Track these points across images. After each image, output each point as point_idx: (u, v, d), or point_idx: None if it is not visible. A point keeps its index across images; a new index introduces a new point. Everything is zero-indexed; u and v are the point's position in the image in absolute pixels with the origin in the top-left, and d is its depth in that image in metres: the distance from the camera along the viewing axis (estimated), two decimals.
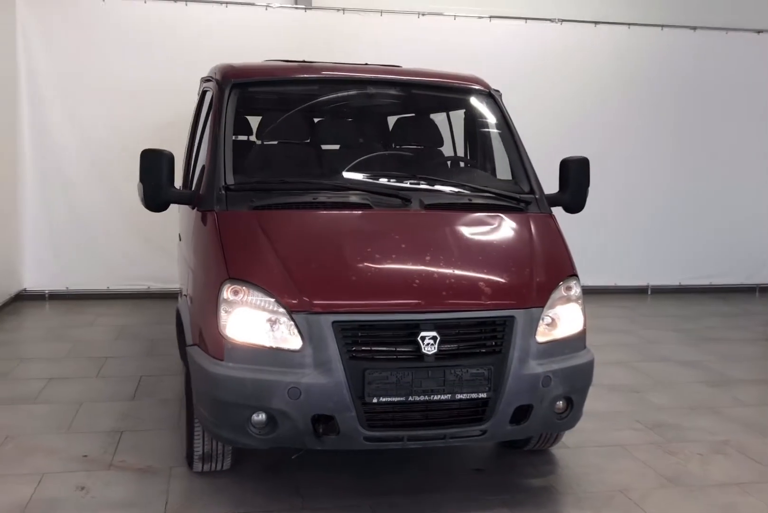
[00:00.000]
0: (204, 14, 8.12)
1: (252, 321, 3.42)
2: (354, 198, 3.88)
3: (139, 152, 3.88)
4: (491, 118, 4.60)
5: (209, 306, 3.54)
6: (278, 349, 3.37)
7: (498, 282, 3.65)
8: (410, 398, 3.38)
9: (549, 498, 3.92)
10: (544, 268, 3.78)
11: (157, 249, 7.95)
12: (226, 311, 3.45)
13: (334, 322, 3.34)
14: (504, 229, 3.97)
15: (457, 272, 3.64)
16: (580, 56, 8.84)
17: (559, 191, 4.39)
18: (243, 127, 4.51)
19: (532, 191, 4.22)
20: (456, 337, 3.45)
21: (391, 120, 5.14)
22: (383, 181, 4.06)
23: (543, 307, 3.63)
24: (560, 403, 3.72)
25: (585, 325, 3.86)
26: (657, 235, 9.32)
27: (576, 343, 3.78)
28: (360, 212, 3.84)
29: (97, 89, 7.94)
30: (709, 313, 8.57)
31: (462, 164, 4.90)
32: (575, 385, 3.72)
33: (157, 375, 5.65)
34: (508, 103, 8.00)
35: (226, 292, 3.46)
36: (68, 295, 8.24)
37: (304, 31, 8.30)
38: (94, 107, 7.98)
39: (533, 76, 8.72)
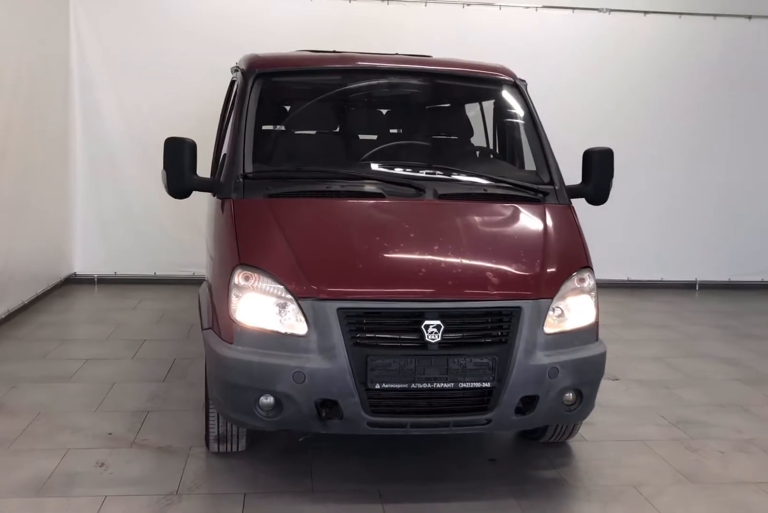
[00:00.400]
0: (248, 5, 8.23)
1: (261, 306, 3.49)
2: (368, 187, 3.90)
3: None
4: (515, 108, 4.57)
5: (222, 291, 3.62)
6: (285, 334, 3.44)
7: (506, 272, 3.64)
8: (413, 385, 3.41)
9: (558, 490, 3.91)
10: (555, 260, 3.76)
11: (202, 236, 8.09)
12: (236, 296, 3.54)
13: (339, 309, 3.39)
14: (517, 219, 3.96)
15: (465, 262, 3.65)
16: (629, 46, 8.68)
17: (582, 182, 4.36)
18: (266, 117, 4.56)
19: (551, 182, 4.18)
20: (461, 327, 3.46)
21: (415, 110, 5.13)
22: (399, 170, 4.07)
23: (552, 298, 3.61)
24: (570, 395, 3.70)
25: (597, 317, 3.83)
26: (706, 229, 9.10)
27: (587, 335, 3.75)
28: (372, 201, 3.87)
29: (145, 77, 8.12)
30: (757, 310, 8.36)
31: (487, 154, 4.87)
32: (584, 378, 3.69)
33: (191, 358, 5.79)
34: (555, 94, 7.93)
35: (237, 278, 3.54)
36: (116, 279, 8.49)
37: (349, 22, 8.32)
38: (143, 95, 8.17)
39: (581, 66, 8.61)
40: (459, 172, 4.14)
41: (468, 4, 8.53)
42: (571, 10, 8.59)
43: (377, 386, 3.38)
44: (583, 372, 3.68)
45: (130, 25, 8.12)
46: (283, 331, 3.45)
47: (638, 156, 8.55)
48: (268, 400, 3.49)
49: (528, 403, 3.56)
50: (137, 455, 4.14)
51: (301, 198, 3.86)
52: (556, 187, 4.15)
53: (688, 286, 9.24)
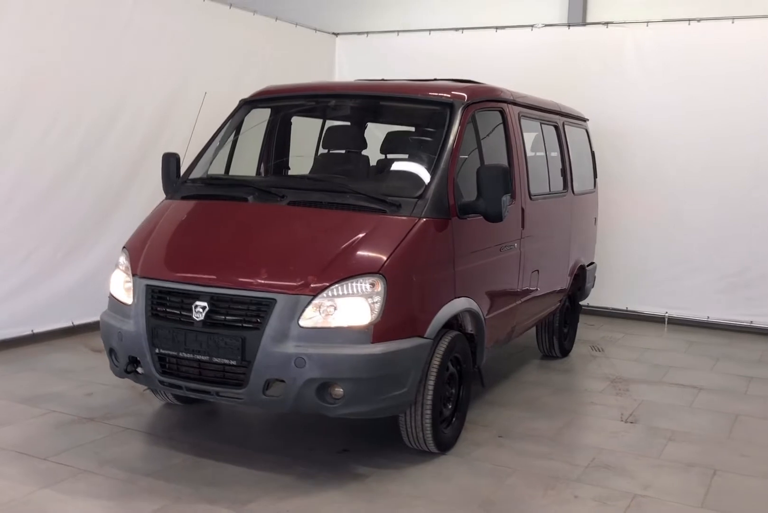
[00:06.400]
0: (477, 40, 8.88)
1: (118, 279, 4.53)
2: (241, 193, 4.58)
3: None
4: (437, 127, 4.70)
5: None
6: (122, 303, 4.41)
7: (275, 268, 4.04)
8: (181, 354, 4.08)
9: (343, 484, 4.08)
10: (343, 263, 3.98)
11: None
12: (114, 270, 4.62)
13: (146, 286, 4.25)
14: (341, 226, 4.23)
15: (252, 257, 4.17)
16: None
17: (475, 199, 4.43)
18: (239, 135, 5.36)
19: (422, 196, 4.31)
20: (224, 310, 4.01)
21: (355, 129, 5.46)
22: (282, 180, 4.68)
23: (315, 295, 3.90)
24: (338, 390, 3.92)
25: (378, 320, 3.88)
26: None
27: (356, 335, 3.89)
28: (234, 204, 4.56)
29: None
30: None
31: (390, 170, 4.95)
32: (340, 374, 3.85)
33: None
34: None
35: (120, 257, 4.63)
36: None
37: (570, 48, 8.47)
38: None
39: None
40: (325, 183, 4.59)
41: (698, 20, 7.95)
42: None
43: (158, 351, 4.15)
44: (338, 368, 3.86)
45: (381, 69, 9.23)
46: (121, 299, 4.42)
47: None
48: None
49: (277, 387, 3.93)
50: (119, 394, 5.39)
51: (193, 200, 4.76)
52: (419, 201, 4.28)
53: None
